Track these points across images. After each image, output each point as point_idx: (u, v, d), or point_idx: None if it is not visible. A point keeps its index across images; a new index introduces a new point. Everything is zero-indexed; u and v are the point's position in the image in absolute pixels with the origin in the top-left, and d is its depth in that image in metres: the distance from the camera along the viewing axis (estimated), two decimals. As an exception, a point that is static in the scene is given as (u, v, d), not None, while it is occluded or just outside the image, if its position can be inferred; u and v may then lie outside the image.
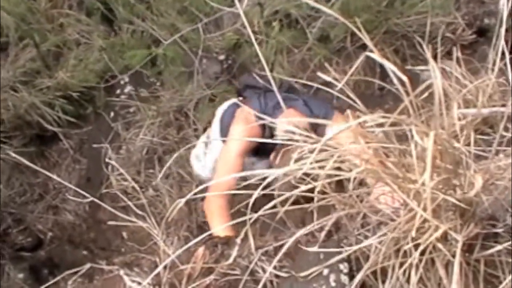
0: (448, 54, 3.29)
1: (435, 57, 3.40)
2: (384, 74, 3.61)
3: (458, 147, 1.22)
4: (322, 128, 2.19)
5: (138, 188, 2.81)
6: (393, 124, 1.32)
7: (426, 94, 1.35)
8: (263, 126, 2.35)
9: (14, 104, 3.69)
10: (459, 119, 1.28)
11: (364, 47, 3.70)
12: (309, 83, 2.03)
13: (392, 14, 3.61)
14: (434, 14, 3.57)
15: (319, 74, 1.36)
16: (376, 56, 1.24)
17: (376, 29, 3.49)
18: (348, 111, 1.32)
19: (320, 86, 1.71)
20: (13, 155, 2.60)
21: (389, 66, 1.21)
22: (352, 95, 1.33)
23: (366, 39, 1.29)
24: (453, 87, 1.87)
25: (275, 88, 2.00)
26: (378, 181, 1.41)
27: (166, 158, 3.49)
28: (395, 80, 1.21)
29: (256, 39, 3.54)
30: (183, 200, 1.35)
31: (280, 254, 1.47)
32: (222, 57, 3.58)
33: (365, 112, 1.28)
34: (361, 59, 1.43)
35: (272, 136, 2.32)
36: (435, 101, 1.23)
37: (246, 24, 1.40)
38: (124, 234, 3.45)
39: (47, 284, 1.78)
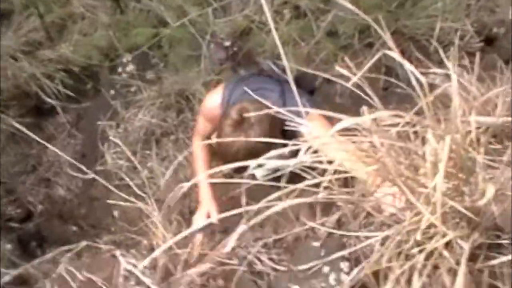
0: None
1: (440, 62, 3.39)
2: (388, 74, 3.61)
3: (471, 154, 1.20)
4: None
5: (138, 165, 2.75)
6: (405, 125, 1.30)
7: (431, 98, 1.33)
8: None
9: (13, 73, 3.66)
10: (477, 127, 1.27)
11: (370, 45, 3.71)
12: (324, 74, 1.96)
13: (402, 15, 3.59)
14: (443, 19, 3.56)
15: (338, 68, 1.33)
16: (395, 55, 1.22)
17: (384, 28, 3.47)
18: (364, 108, 1.29)
19: (332, 78, 1.68)
20: (13, 123, 2.57)
21: (408, 66, 1.19)
22: (369, 91, 1.31)
23: (387, 37, 1.26)
24: (464, 94, 1.85)
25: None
26: (385, 180, 1.40)
27: (164, 140, 3.47)
28: (413, 81, 1.19)
29: (263, 28, 3.53)
30: (186, 185, 1.33)
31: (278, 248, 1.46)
32: (228, 43, 3.54)
33: (380, 109, 1.26)
34: (377, 57, 1.40)
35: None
36: (452, 106, 1.21)
37: (266, 8, 1.36)
38: (115, 213, 3.42)
39: (39, 260, 1.74)
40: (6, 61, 3.63)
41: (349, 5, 1.45)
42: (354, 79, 1.31)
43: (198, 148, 2.51)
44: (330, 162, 1.31)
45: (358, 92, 1.38)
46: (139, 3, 3.75)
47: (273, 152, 1.28)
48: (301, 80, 2.53)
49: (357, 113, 1.48)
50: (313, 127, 1.90)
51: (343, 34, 3.53)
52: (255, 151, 1.52)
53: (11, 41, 3.76)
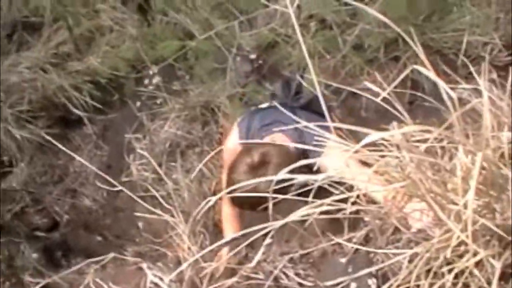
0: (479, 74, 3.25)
1: (466, 77, 3.36)
2: (414, 88, 3.59)
3: (503, 170, 1.18)
4: (313, 157, 1.87)
5: (164, 177, 2.77)
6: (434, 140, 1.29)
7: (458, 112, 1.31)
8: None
9: (42, 84, 3.71)
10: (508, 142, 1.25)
11: (396, 59, 3.69)
12: (350, 88, 1.96)
13: (429, 28, 3.57)
14: (471, 32, 3.53)
15: (366, 83, 1.33)
16: (426, 70, 1.21)
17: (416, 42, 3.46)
18: (394, 123, 1.28)
19: (359, 92, 1.68)
20: (42, 133, 2.62)
21: (438, 81, 1.18)
22: (398, 106, 1.30)
23: (419, 50, 1.25)
24: (494, 109, 1.83)
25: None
26: (412, 197, 1.39)
27: (189, 153, 3.49)
28: (444, 96, 1.18)
29: (289, 42, 3.54)
30: (214, 199, 1.33)
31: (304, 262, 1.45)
32: (253, 56, 3.55)
33: (409, 124, 1.25)
34: (408, 71, 1.39)
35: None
36: (483, 121, 1.20)
37: (295, 21, 1.36)
38: (140, 224, 3.44)
39: (68, 271, 1.76)
40: (35, 73, 3.70)
41: (379, 15, 1.44)
42: (384, 94, 1.30)
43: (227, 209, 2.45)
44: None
45: (385, 105, 1.37)
46: (166, 16, 3.79)
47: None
48: (314, 103, 2.40)
49: (382, 128, 1.47)
50: (332, 157, 1.87)
51: (369, 47, 3.51)
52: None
53: (41, 53, 3.83)
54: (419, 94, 2.80)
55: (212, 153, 2.97)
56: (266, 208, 1.78)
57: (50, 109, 3.82)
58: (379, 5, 3.15)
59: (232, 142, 2.25)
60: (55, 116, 3.85)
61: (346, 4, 3.45)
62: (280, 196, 1.36)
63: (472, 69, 1.75)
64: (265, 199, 1.60)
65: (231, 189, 1.65)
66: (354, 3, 1.54)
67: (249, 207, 1.96)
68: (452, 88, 1.26)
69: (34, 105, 3.72)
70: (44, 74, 3.73)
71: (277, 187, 1.34)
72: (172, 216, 2.02)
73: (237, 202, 1.91)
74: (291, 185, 1.36)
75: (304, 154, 1.90)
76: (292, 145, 1.96)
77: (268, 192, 1.41)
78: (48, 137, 3.70)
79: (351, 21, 3.47)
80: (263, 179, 1.53)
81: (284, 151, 1.91)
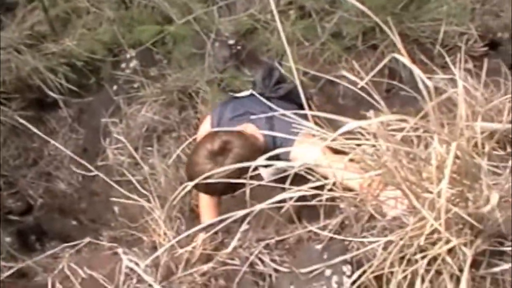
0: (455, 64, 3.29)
1: (443, 66, 3.40)
2: (391, 76, 3.62)
3: (476, 160, 1.20)
4: (285, 153, 1.86)
5: (140, 161, 2.75)
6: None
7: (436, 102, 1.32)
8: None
9: (16, 66, 3.66)
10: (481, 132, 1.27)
11: (374, 47, 3.71)
12: (327, 76, 1.96)
13: (406, 17, 3.59)
14: (448, 22, 3.57)
15: (344, 72, 1.33)
16: (404, 59, 1.21)
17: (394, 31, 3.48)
18: (371, 112, 1.29)
19: (336, 80, 1.69)
20: (15, 116, 2.58)
21: (416, 70, 1.19)
22: (375, 95, 1.31)
23: (396, 39, 1.26)
24: (469, 99, 1.85)
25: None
26: (387, 184, 1.40)
27: (166, 138, 3.47)
28: (420, 85, 1.19)
29: (268, 28, 3.53)
30: (191, 184, 1.33)
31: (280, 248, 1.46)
32: (231, 41, 3.54)
33: (386, 113, 1.26)
34: (386, 60, 1.40)
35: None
36: (458, 112, 1.21)
37: (273, 7, 1.36)
38: (116, 209, 3.43)
39: (43, 255, 1.74)
40: (9, 54, 3.63)
41: (357, 4, 1.44)
42: (362, 83, 1.31)
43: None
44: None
45: (362, 94, 1.38)
46: (144, -1, 3.76)
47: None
48: (294, 93, 2.36)
49: (360, 115, 1.48)
50: (303, 150, 1.84)
51: (347, 35, 3.53)
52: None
53: (15, 33, 3.76)
54: (396, 83, 2.84)
55: (190, 139, 2.95)
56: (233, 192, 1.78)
57: (25, 91, 3.76)
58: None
59: (204, 130, 2.24)
60: (29, 98, 3.80)
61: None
62: (257, 182, 1.36)
63: (448, 59, 1.77)
64: (222, 186, 1.64)
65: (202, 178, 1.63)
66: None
67: (207, 192, 2.04)
68: (428, 78, 1.27)
69: (7, 86, 3.65)
70: (18, 55, 3.67)
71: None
72: (148, 201, 2.01)
73: (195, 186, 1.90)
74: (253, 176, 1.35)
75: (275, 146, 1.91)
76: (261, 132, 1.96)
77: (230, 178, 1.44)
78: (22, 120, 3.66)
79: (330, 9, 3.48)
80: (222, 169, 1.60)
81: (249, 142, 1.89)
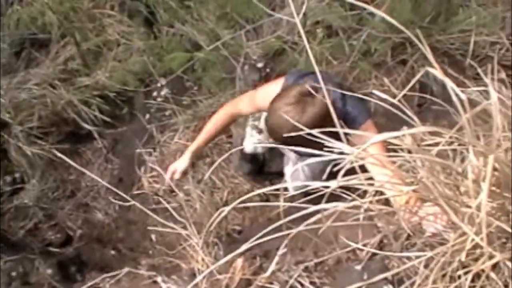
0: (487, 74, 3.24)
1: (475, 78, 3.35)
2: (423, 90, 3.58)
3: (516, 172, 1.17)
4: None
5: (175, 189, 2.78)
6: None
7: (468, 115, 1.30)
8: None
9: (52, 100, 3.72)
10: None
11: (404, 62, 3.68)
12: (357, 95, 1.95)
13: (435, 30, 3.56)
14: (478, 33, 3.52)
15: (374, 91, 1.32)
16: (437, 72, 1.20)
17: (417, 45, 3.45)
18: (405, 127, 1.27)
19: (370, 99, 1.67)
20: (53, 150, 2.63)
21: (449, 83, 1.17)
22: (408, 111, 1.29)
23: (427, 52, 1.25)
24: (504, 109, 1.81)
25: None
26: (426, 201, 1.38)
27: (199, 163, 3.49)
28: (454, 98, 1.17)
29: (296, 49, 3.54)
30: (227, 209, 1.33)
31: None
32: (260, 64, 3.55)
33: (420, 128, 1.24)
34: (420, 75, 1.39)
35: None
36: (494, 123, 1.19)
37: (301, 29, 1.36)
38: (153, 236, 3.44)
39: (84, 286, 1.76)
40: (44, 89, 3.72)
41: (387, 17, 1.43)
42: (394, 101, 1.30)
43: (223, 112, 2.68)
44: (370, 182, 1.30)
45: (394, 110, 1.37)
46: (173, 28, 3.81)
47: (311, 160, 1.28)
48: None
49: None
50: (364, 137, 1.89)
51: (376, 51, 3.51)
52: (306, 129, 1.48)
53: (49, 69, 3.85)
54: (428, 96, 2.81)
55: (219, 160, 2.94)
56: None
57: (60, 125, 3.83)
58: (384, 10, 3.15)
59: (270, 90, 2.31)
60: (65, 131, 3.86)
61: (352, 9, 3.46)
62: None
63: (479, 69, 1.74)
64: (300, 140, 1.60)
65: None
66: (360, 4, 1.53)
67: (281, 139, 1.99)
68: (461, 90, 1.25)
69: (44, 121, 3.73)
70: (53, 90, 3.74)
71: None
72: (185, 228, 2.02)
73: (274, 130, 1.98)
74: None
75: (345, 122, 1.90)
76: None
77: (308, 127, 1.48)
78: (58, 153, 3.73)
79: (357, 27, 3.47)
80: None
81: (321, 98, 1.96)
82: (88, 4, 4.01)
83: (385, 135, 1.13)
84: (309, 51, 1.43)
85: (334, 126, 1.62)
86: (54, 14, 3.52)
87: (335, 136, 1.36)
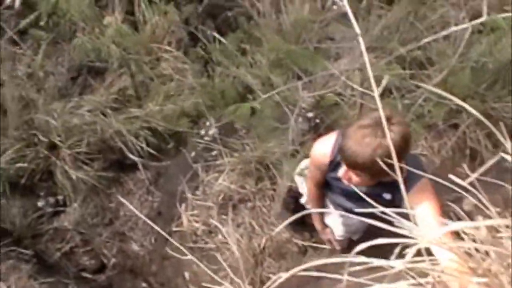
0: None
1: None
2: (472, 157, 3.52)
3: None
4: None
5: (219, 228, 2.78)
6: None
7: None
8: None
9: (101, 128, 3.79)
10: None
11: (455, 126, 3.64)
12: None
13: (490, 97, 3.53)
14: (534, 102, 3.48)
15: (451, 176, 1.29)
16: (509, 157, 1.18)
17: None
18: (470, 199, 1.25)
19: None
20: (97, 176, 2.61)
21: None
22: (483, 198, 1.27)
23: (482, 119, 1.23)
24: None
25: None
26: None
27: (241, 207, 3.49)
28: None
29: (347, 102, 3.54)
30: (284, 276, 1.31)
31: None
32: (311, 114, 3.56)
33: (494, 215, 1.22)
34: (494, 161, 1.36)
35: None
36: None
37: (357, 87, 1.36)
38: (186, 274, 3.44)
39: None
40: (96, 116, 3.79)
41: (440, 92, 1.42)
42: (465, 184, 1.27)
43: (309, 187, 2.63)
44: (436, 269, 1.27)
45: (469, 197, 1.34)
46: (227, 69, 3.85)
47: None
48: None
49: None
50: (422, 204, 1.93)
51: (429, 113, 3.49)
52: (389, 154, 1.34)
53: (102, 97, 3.93)
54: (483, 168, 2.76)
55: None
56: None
57: (107, 152, 3.88)
58: (444, 75, 3.15)
59: (322, 147, 2.28)
60: (110, 159, 3.91)
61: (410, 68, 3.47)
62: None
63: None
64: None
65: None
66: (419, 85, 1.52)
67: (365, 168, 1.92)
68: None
69: (91, 147, 3.78)
70: (104, 118, 3.81)
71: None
72: (220, 270, 2.00)
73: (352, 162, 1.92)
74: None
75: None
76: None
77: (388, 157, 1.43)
78: (102, 180, 3.79)
79: (412, 88, 3.46)
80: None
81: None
82: (147, 38, 4.09)
83: (462, 224, 1.11)
84: (378, 102, 1.37)
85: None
86: (117, 47, 3.59)
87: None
